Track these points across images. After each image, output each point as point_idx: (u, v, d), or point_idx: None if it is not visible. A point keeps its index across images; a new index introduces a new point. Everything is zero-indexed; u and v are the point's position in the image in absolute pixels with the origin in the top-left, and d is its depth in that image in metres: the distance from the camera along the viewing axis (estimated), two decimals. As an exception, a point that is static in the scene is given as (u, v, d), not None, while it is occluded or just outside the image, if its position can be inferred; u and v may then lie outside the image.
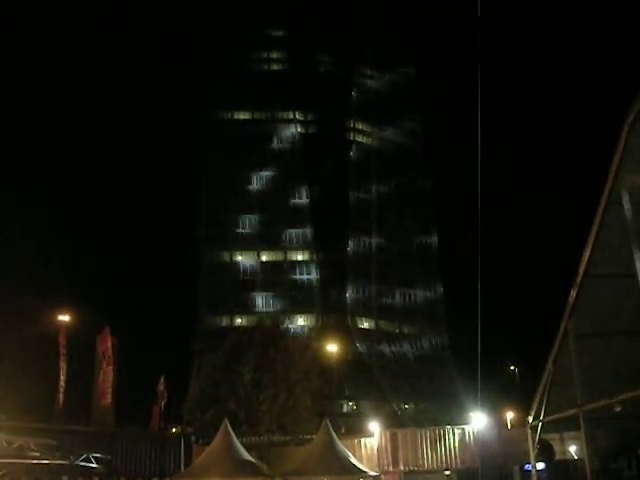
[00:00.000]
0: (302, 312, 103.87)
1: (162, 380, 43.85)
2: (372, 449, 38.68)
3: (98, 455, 31.65)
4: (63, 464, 28.38)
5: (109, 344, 40.69)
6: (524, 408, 36.36)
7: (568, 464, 35.57)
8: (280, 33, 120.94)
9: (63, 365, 40.32)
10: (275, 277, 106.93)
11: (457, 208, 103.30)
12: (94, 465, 30.73)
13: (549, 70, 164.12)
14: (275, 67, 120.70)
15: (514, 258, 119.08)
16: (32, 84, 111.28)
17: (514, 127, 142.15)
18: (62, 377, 39.97)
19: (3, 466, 26.02)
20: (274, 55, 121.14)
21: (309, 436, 40.04)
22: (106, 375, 40.21)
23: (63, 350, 40.72)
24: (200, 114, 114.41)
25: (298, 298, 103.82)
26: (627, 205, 19.82)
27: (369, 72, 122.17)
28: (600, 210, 21.71)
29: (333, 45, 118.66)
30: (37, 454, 27.10)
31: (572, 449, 37.31)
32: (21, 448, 26.63)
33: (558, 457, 36.95)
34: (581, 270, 23.66)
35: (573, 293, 24.47)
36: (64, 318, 43.20)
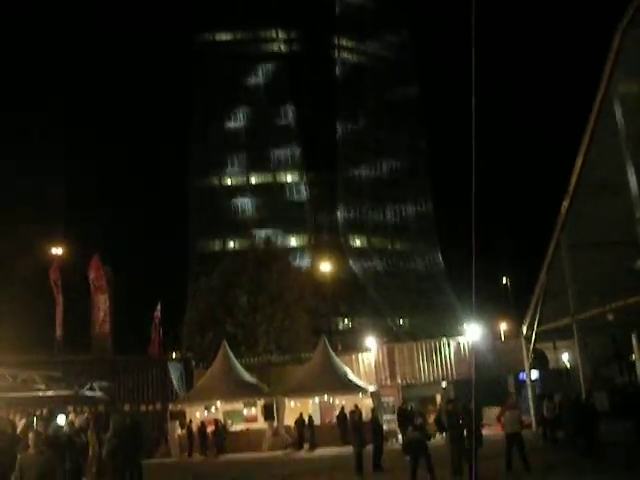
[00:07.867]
0: (294, 232, 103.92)
1: (158, 306, 43.95)
2: (369, 364, 39.49)
3: (101, 383, 32.03)
4: (69, 394, 28.55)
5: (100, 272, 40.44)
6: (518, 319, 36.94)
7: (561, 372, 36.47)
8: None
9: (59, 297, 40.37)
10: (265, 199, 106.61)
11: (448, 120, 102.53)
12: (98, 393, 31.12)
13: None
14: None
15: (508, 171, 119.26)
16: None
17: (504, 38, 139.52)
18: (59, 309, 40.10)
19: (12, 400, 26.17)
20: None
21: (307, 354, 40.66)
22: (100, 304, 40.15)
23: (57, 282, 40.67)
24: (183, 36, 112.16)
25: (289, 219, 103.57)
26: (619, 112, 19.45)
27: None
28: (592, 118, 21.37)
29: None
30: (42, 386, 27.25)
31: (565, 357, 38.19)
32: (26, 381, 26.74)
33: (552, 365, 37.85)
34: (573, 180, 23.47)
35: (565, 203, 24.37)
36: (57, 251, 43.10)
